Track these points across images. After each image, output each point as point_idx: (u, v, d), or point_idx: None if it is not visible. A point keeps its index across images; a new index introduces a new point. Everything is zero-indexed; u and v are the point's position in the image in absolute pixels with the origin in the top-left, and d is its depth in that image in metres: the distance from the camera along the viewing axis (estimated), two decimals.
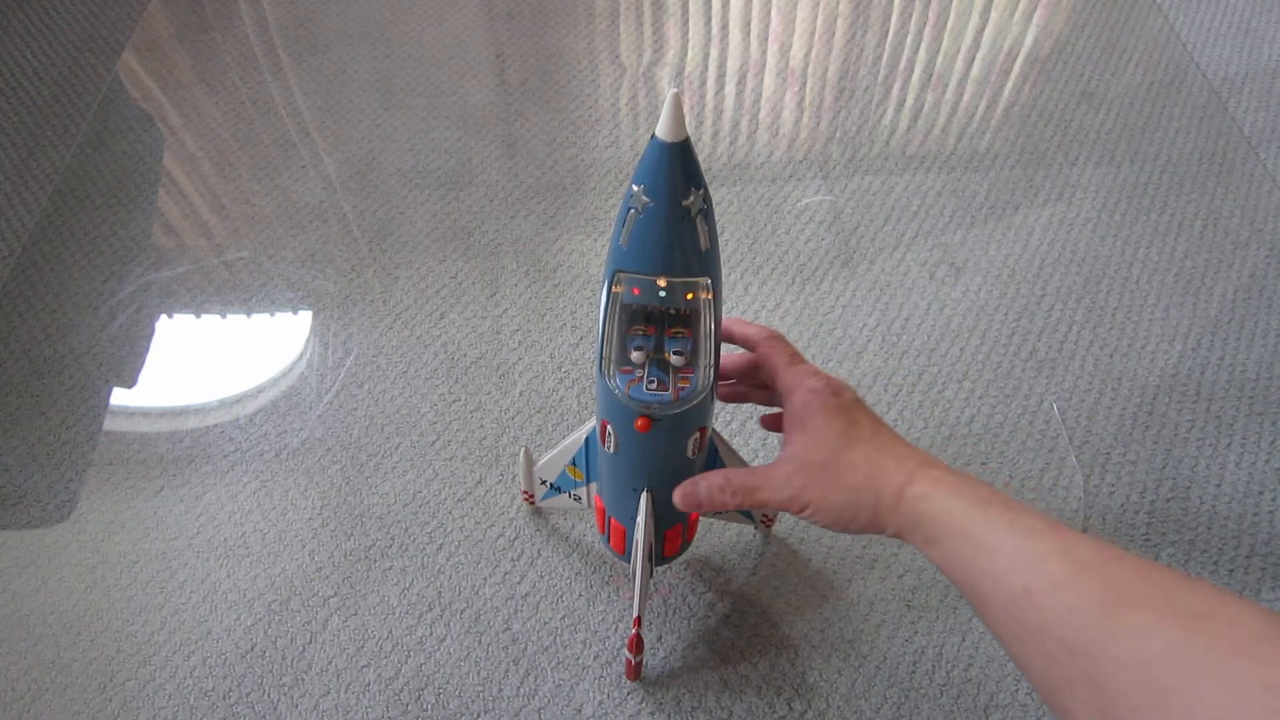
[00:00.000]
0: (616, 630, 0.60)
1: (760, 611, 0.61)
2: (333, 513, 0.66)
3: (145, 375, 0.75)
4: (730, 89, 0.99)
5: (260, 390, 0.73)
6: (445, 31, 1.05)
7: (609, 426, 0.46)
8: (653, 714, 0.57)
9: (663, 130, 0.35)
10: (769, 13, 1.08)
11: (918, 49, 1.04)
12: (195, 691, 0.58)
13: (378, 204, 0.87)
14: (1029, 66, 1.02)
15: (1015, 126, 0.95)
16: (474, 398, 0.72)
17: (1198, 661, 0.29)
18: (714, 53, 1.03)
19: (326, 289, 0.80)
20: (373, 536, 0.65)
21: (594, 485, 0.57)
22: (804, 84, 1.00)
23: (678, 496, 0.46)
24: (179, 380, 0.74)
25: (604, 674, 0.58)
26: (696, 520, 0.57)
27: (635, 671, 0.57)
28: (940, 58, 1.03)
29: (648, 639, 0.60)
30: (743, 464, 0.53)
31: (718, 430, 0.51)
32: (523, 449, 0.59)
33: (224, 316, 0.79)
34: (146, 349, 0.76)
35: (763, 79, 1.00)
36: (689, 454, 0.47)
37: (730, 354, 0.49)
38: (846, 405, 0.43)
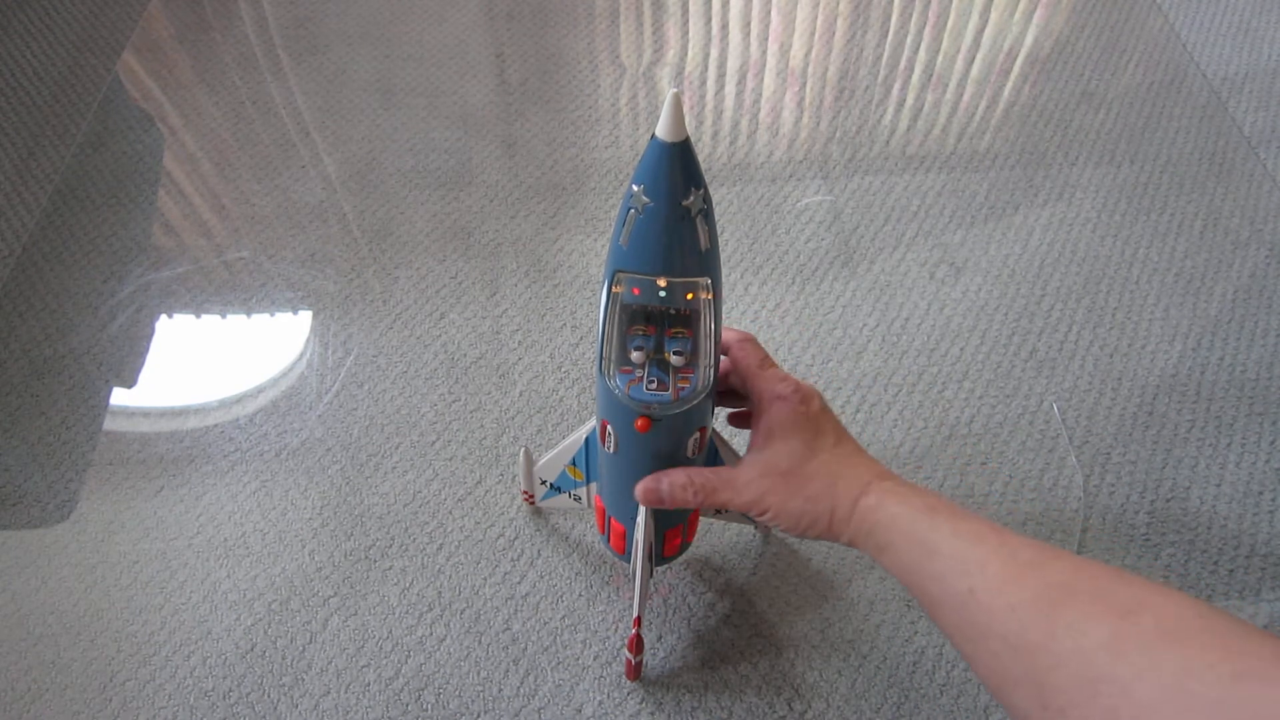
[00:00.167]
0: (616, 630, 0.60)
1: (760, 611, 0.61)
2: (333, 513, 0.66)
3: (145, 375, 0.75)
4: (730, 89, 0.99)
5: (260, 390, 0.73)
6: (445, 31, 1.05)
7: (609, 426, 0.46)
8: (653, 714, 0.57)
9: (663, 130, 0.35)
10: (769, 13, 1.08)
11: (918, 49, 1.04)
12: (195, 691, 0.58)
13: (378, 204, 0.87)
14: (1029, 66, 1.02)
15: (1015, 126, 0.95)
16: (474, 398, 0.72)
17: (1128, 653, 0.31)
18: (714, 53, 1.03)
19: (326, 289, 0.80)
20: (373, 536, 0.65)
21: (594, 485, 0.57)
22: (804, 84, 1.00)
23: (639, 490, 0.46)
24: (179, 380, 0.74)
25: (604, 674, 0.58)
26: (696, 520, 0.57)
27: (635, 671, 0.57)
28: (940, 58, 1.03)
29: (648, 639, 0.60)
30: None
31: (718, 430, 0.51)
32: (523, 449, 0.59)
33: (224, 316, 0.79)
34: (146, 349, 0.76)
35: (763, 79, 1.00)
36: (689, 454, 0.47)
37: None
38: (813, 415, 0.45)
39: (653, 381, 0.43)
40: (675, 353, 0.42)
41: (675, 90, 0.35)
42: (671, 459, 0.46)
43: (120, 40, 1.02)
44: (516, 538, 0.64)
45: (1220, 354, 0.76)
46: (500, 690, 0.58)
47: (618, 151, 0.92)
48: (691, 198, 0.37)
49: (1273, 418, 0.72)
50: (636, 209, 0.37)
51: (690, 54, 1.03)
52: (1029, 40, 1.05)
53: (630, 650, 0.55)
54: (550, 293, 0.80)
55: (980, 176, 0.90)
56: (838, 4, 1.09)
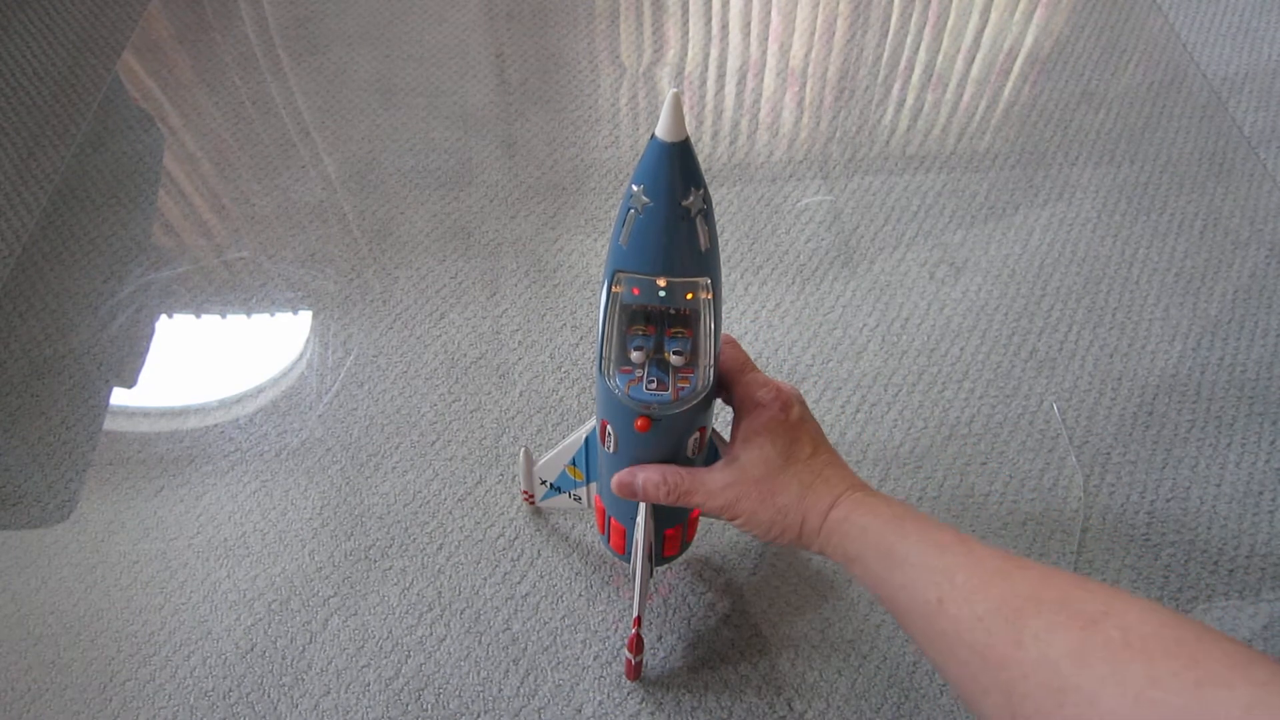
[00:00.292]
0: (616, 630, 0.60)
1: (760, 611, 0.61)
2: (333, 513, 0.66)
3: (145, 375, 0.75)
4: (730, 89, 0.99)
5: (260, 390, 0.73)
6: (445, 31, 1.05)
7: (609, 426, 0.46)
8: (653, 714, 0.57)
9: (663, 130, 0.35)
10: (769, 13, 1.08)
11: (918, 49, 1.04)
12: (195, 691, 0.58)
13: (378, 204, 0.87)
14: (1029, 66, 1.02)
15: (1015, 126, 0.95)
16: (474, 398, 0.72)
17: (1093, 663, 0.31)
18: (714, 53, 1.03)
19: (326, 289, 0.80)
20: (373, 536, 0.65)
21: (594, 485, 0.57)
22: (804, 84, 1.00)
23: (614, 482, 0.47)
24: (179, 380, 0.74)
25: (604, 674, 0.58)
26: (697, 520, 0.57)
27: (635, 671, 0.57)
28: (940, 58, 1.03)
29: (648, 639, 0.60)
30: None
31: (717, 430, 0.51)
32: (523, 449, 0.59)
33: (224, 316, 0.79)
34: (146, 349, 0.76)
35: (763, 79, 1.00)
36: (689, 454, 0.47)
37: None
38: (792, 424, 0.45)
39: (652, 381, 0.43)
40: (675, 353, 0.42)
41: (675, 90, 0.35)
42: (671, 459, 0.47)
43: (120, 40, 1.02)
44: (516, 538, 0.64)
45: (1220, 354, 0.76)
46: (500, 690, 0.58)
47: (618, 151, 0.92)
48: (691, 198, 0.37)
49: (1273, 418, 0.72)
50: (636, 209, 0.37)
51: (690, 54, 1.03)
52: (1029, 40, 1.05)
53: (630, 650, 0.55)
54: (550, 293, 0.80)
55: (980, 176, 0.90)
56: (838, 4, 1.09)
